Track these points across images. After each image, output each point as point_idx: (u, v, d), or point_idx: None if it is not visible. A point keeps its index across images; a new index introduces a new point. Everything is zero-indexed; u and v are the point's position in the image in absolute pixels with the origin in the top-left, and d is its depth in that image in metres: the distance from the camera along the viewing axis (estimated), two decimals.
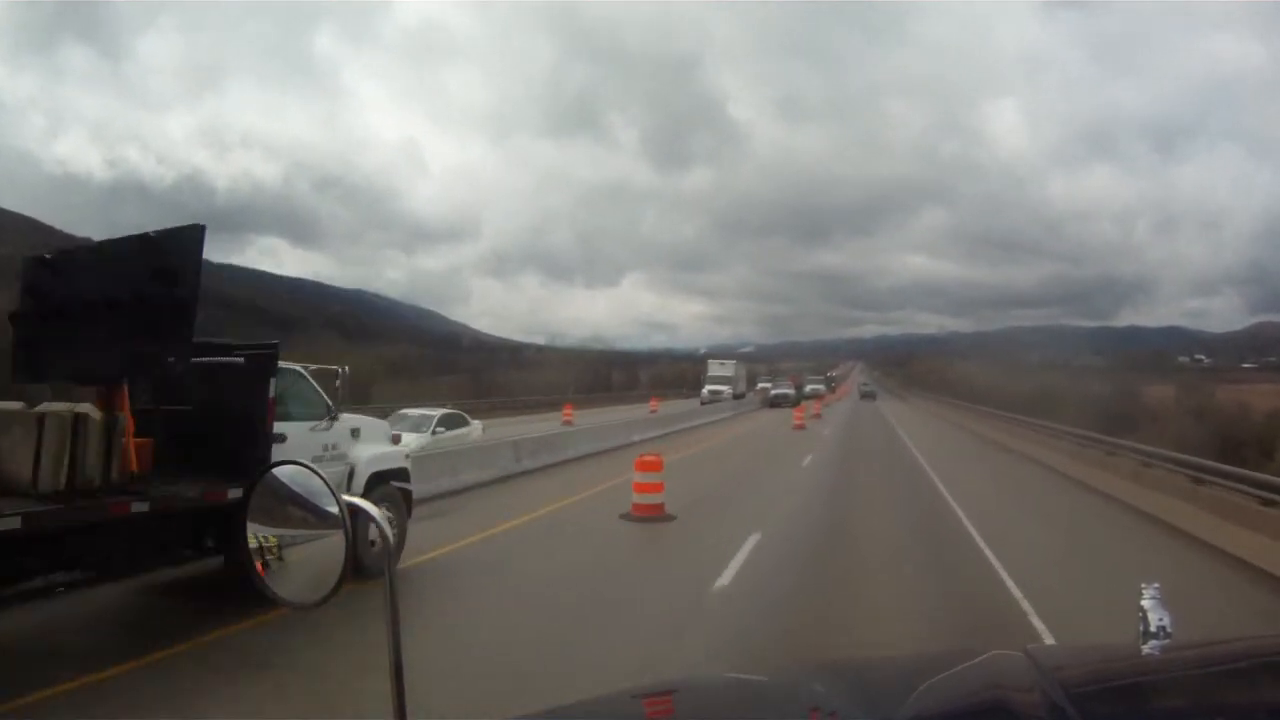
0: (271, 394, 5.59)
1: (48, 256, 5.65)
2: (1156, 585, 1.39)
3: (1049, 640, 5.12)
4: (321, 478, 1.14)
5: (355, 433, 6.78)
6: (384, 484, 6.77)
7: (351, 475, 6.51)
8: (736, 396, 44.48)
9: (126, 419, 4.93)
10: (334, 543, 1.12)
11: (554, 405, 34.10)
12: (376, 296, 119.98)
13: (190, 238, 5.02)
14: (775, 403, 44.70)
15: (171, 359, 4.94)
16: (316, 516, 1.13)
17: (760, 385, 53.71)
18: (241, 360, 5.71)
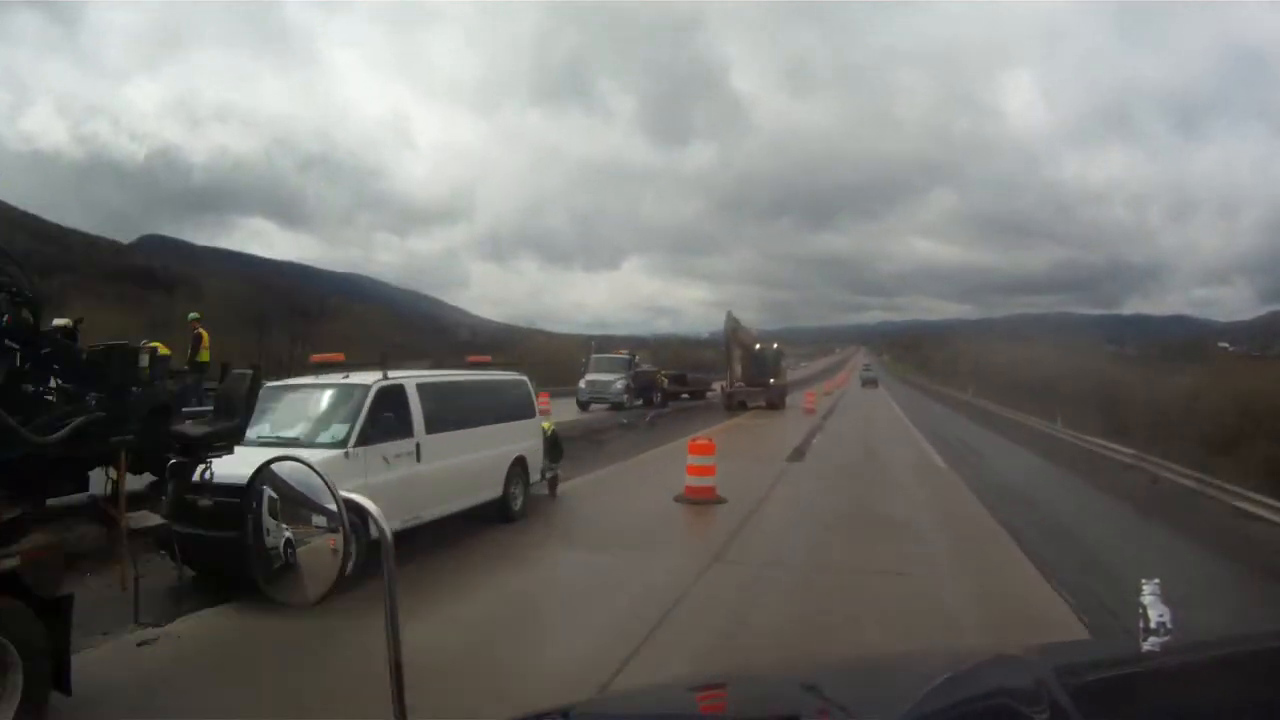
0: None
1: None
2: (1156, 581, 1.44)
3: None
4: (320, 475, 1.18)
5: None
6: None
7: None
8: None
9: None
10: (333, 538, 1.15)
11: None
12: (366, 279, 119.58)
13: None
14: None
15: None
16: (315, 514, 1.17)
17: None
18: None
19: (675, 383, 35.46)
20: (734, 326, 30.97)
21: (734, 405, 29.55)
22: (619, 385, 28.25)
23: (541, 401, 24.62)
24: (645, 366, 32.78)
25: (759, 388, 30.88)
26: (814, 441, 18.82)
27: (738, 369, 31.32)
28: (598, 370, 29.55)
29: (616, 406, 27.19)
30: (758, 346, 32.67)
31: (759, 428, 23.45)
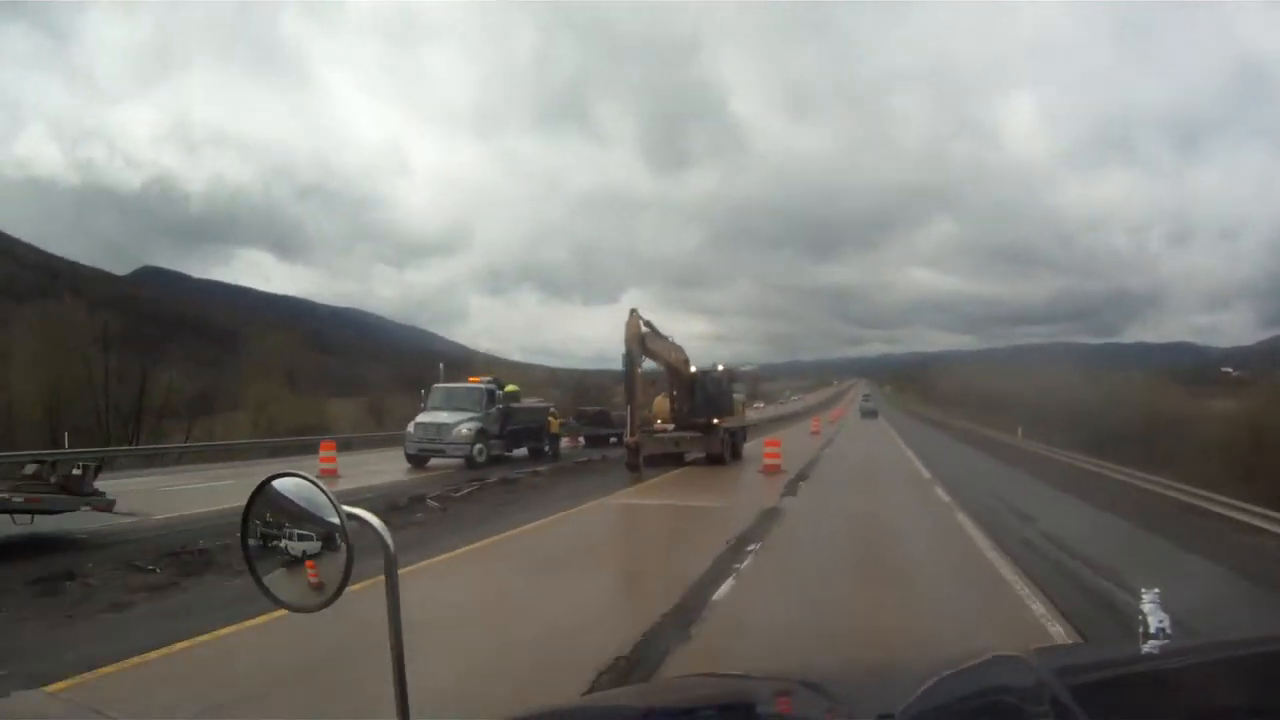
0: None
1: None
2: (1156, 590, 1.47)
3: None
4: (322, 489, 1.23)
5: None
6: None
7: None
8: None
9: None
10: (334, 552, 1.21)
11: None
12: (364, 313, 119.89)
13: None
14: None
15: None
16: (317, 526, 1.22)
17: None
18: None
19: (591, 423, 27.34)
20: (643, 331, 18.05)
21: (638, 464, 17.07)
22: (465, 430, 19.02)
23: (323, 456, 16.92)
24: (533, 401, 23.95)
25: (694, 432, 20.10)
26: (724, 588, 7.41)
27: (663, 403, 21.10)
28: (441, 406, 20.03)
29: (469, 463, 18.48)
30: (693, 369, 20.99)
31: (643, 520, 13.23)
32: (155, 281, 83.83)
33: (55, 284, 54.51)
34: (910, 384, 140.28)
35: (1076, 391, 36.36)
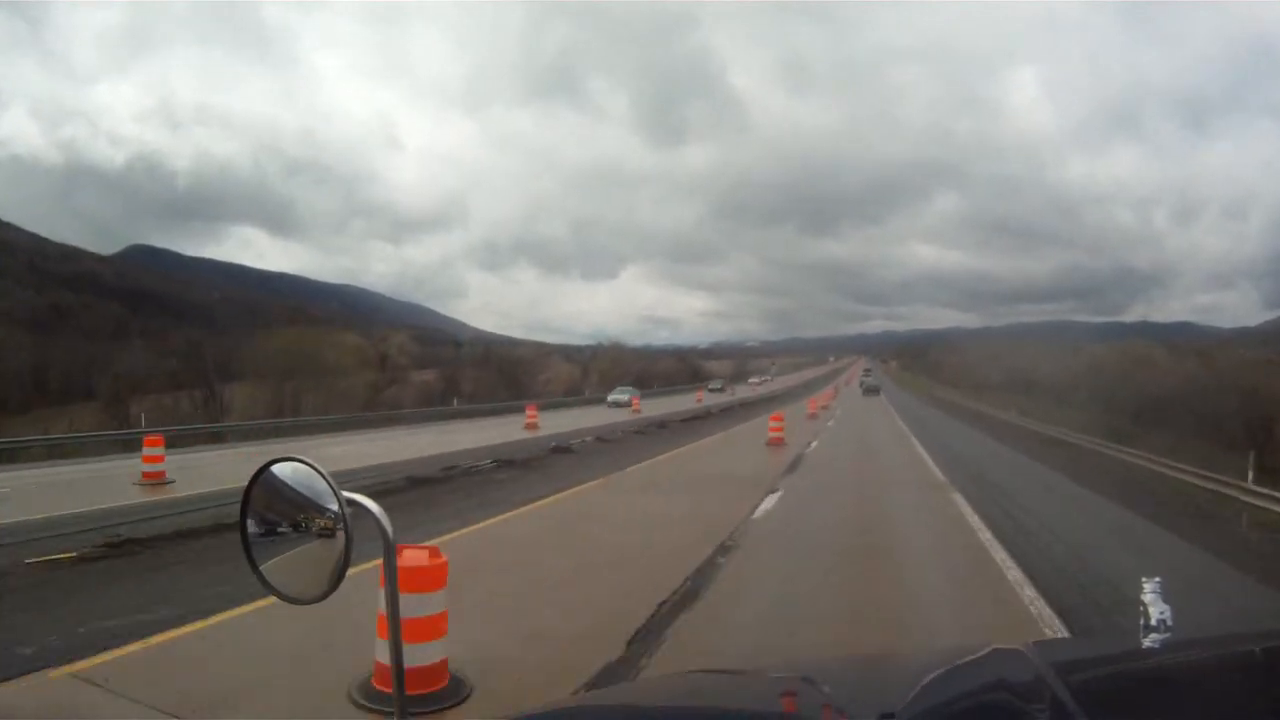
0: None
1: None
2: (1158, 579, 1.47)
3: None
4: (323, 474, 1.22)
5: None
6: None
7: None
8: None
9: None
10: (334, 539, 1.20)
11: None
12: (358, 289, 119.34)
13: None
14: None
15: None
16: (317, 512, 1.21)
17: None
18: None
19: None
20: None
21: None
22: None
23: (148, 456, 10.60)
24: None
25: None
26: None
27: None
28: None
29: None
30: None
31: None
32: (145, 260, 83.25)
33: (12, 262, 53.30)
34: (915, 361, 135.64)
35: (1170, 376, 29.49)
